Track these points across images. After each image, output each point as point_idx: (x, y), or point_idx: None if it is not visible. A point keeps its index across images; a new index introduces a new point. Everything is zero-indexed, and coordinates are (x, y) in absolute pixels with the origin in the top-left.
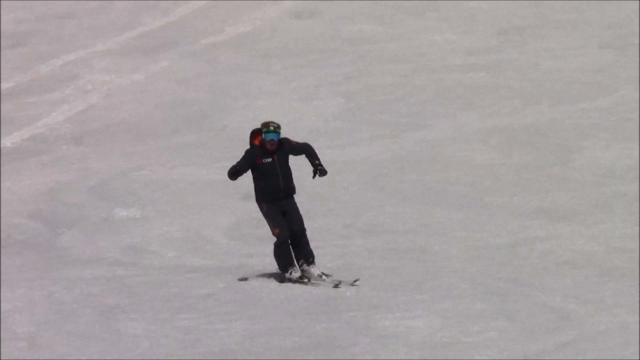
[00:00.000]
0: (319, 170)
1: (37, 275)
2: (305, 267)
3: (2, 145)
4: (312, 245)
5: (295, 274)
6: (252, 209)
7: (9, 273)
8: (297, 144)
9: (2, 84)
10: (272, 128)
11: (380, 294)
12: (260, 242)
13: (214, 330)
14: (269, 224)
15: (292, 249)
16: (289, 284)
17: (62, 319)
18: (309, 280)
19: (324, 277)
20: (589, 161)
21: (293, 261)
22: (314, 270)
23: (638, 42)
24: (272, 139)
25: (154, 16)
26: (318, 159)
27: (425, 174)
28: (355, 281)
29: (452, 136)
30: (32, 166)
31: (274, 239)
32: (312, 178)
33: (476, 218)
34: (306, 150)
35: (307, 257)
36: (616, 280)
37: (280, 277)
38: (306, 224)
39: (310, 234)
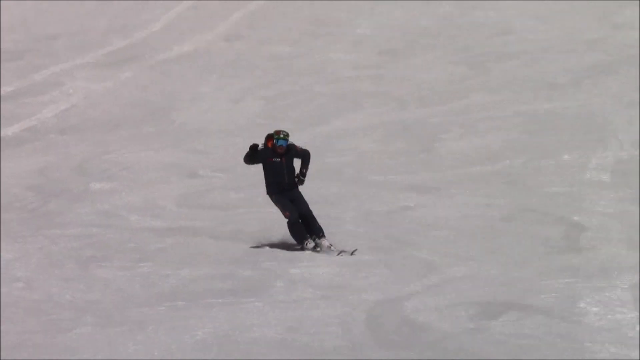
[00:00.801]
0: (299, 178)
1: (31, 232)
2: (317, 240)
3: (3, 135)
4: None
5: (310, 244)
6: (196, 183)
7: (9, 231)
8: (300, 150)
9: (4, 89)
10: (282, 136)
11: (294, 249)
12: (201, 209)
13: (166, 275)
14: (280, 210)
15: (305, 227)
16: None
17: (51, 266)
18: (320, 250)
19: (332, 247)
20: (446, 149)
21: (306, 235)
22: (324, 242)
23: (483, 60)
24: (281, 145)
25: (121, 38)
26: (306, 168)
27: (324, 158)
28: (354, 251)
29: (345, 130)
30: (27, 150)
31: (285, 220)
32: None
33: (363, 191)
34: (303, 157)
35: (317, 232)
36: (468, 238)
37: (300, 248)
38: None
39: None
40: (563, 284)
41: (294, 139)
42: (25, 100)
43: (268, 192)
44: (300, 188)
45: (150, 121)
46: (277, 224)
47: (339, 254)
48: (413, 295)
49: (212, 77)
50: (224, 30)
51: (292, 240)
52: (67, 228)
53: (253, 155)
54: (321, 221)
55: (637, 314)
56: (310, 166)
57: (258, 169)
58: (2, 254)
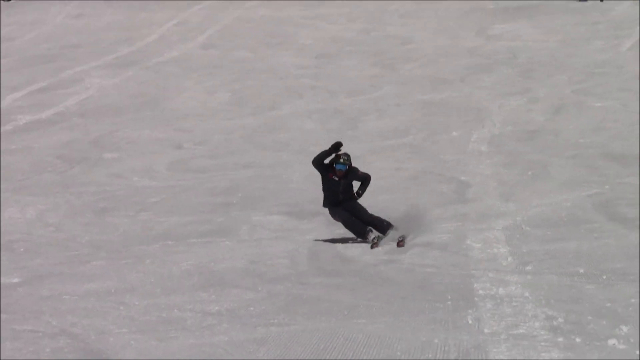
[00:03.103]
0: (357, 195)
1: (60, 190)
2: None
3: (39, 118)
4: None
5: (372, 235)
6: (181, 153)
7: (43, 189)
8: (362, 175)
9: (39, 84)
10: (342, 160)
11: (255, 202)
12: (186, 172)
13: (160, 221)
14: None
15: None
16: None
17: (74, 215)
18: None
19: (400, 239)
20: (367, 128)
21: (366, 228)
22: (390, 233)
23: (392, 62)
24: (340, 169)
25: (126, 47)
26: (363, 190)
27: (277, 135)
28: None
29: (291, 114)
30: (56, 129)
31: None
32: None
33: (306, 159)
34: (363, 181)
35: (384, 229)
36: (384, 193)
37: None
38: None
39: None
40: (454, 227)
41: (254, 120)
42: (55, 92)
43: (324, 205)
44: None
45: (147, 108)
46: (242, 183)
47: (399, 243)
48: (342, 235)
49: (193, 75)
50: (202, 41)
51: (254, 194)
52: (86, 186)
53: (322, 163)
54: (275, 180)
55: (509, 248)
56: (264, 140)
57: (226, 143)
58: (38, 205)
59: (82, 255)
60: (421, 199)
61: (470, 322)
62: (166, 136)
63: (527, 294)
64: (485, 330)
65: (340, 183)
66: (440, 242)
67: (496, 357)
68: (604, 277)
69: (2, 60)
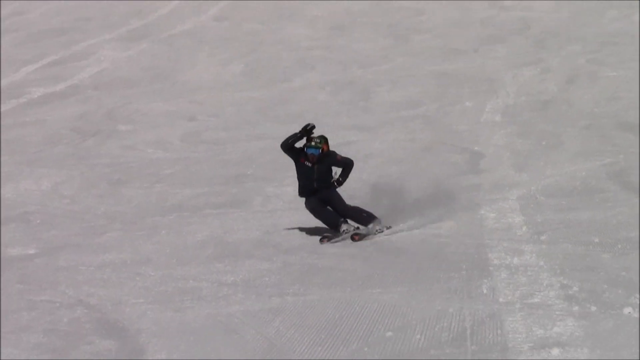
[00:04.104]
0: (337, 183)
1: (74, 162)
2: (367, 226)
3: (53, 91)
4: None
5: (344, 227)
6: (194, 125)
7: (58, 161)
8: (341, 159)
9: (52, 57)
10: (313, 144)
11: (269, 174)
12: (199, 144)
13: (174, 193)
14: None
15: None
16: None
17: (89, 187)
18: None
19: (378, 230)
20: (380, 99)
21: (339, 219)
22: (373, 226)
23: (405, 33)
24: (312, 154)
25: (138, 20)
26: (344, 178)
27: (290, 107)
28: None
29: (303, 86)
30: (70, 102)
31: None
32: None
33: (318, 130)
34: (344, 167)
35: (365, 222)
36: (397, 164)
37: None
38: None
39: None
40: (468, 197)
41: (266, 92)
42: (68, 65)
43: (299, 194)
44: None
45: (160, 80)
46: (255, 155)
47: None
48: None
49: (206, 47)
50: (214, 13)
51: (267, 165)
52: (100, 159)
53: (292, 147)
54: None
55: (523, 218)
56: (275, 112)
57: (240, 117)
58: (53, 178)
59: (97, 227)
60: (434, 170)
61: (485, 291)
62: (179, 108)
63: (541, 263)
64: (500, 300)
65: (314, 169)
66: (454, 212)
67: (511, 326)
68: (619, 245)
69: (13, 34)
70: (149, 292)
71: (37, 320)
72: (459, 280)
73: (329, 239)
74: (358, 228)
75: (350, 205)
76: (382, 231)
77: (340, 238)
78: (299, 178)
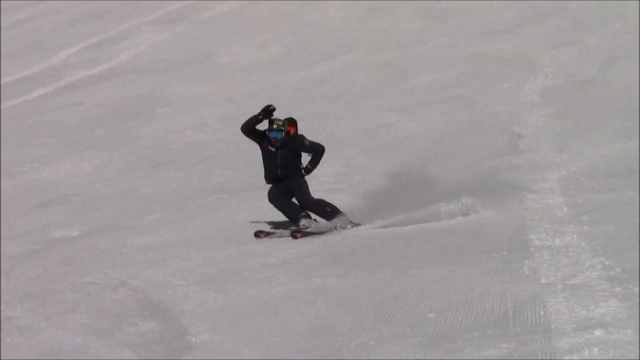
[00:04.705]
0: (306, 170)
1: (114, 145)
2: (326, 222)
3: (93, 73)
4: None
5: (304, 222)
6: (232, 107)
7: (98, 144)
8: (310, 144)
9: (91, 40)
10: (275, 127)
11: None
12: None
13: (214, 175)
14: None
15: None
16: None
17: (129, 169)
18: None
19: (340, 227)
20: (418, 80)
21: (299, 214)
22: (334, 223)
23: (442, 14)
24: (274, 137)
25: (175, 2)
26: (313, 165)
27: (327, 88)
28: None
29: (341, 67)
30: (109, 85)
31: None
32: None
33: (358, 112)
34: (314, 153)
35: (326, 216)
36: (435, 145)
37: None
38: None
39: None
40: (508, 178)
41: (305, 73)
42: (107, 48)
43: (266, 181)
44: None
45: (198, 62)
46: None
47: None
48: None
49: (243, 29)
50: None
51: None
52: (140, 141)
53: (254, 130)
54: (325, 134)
55: (564, 198)
56: (307, 95)
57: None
58: (94, 160)
59: (138, 209)
60: (474, 151)
61: (526, 272)
62: (218, 90)
63: (583, 244)
64: (542, 281)
65: (278, 154)
66: (494, 193)
67: (554, 307)
68: None
69: (52, 17)
70: (191, 273)
71: (82, 301)
72: (500, 261)
73: (267, 234)
74: (315, 220)
75: (313, 198)
76: (346, 228)
77: (278, 234)
78: (263, 162)
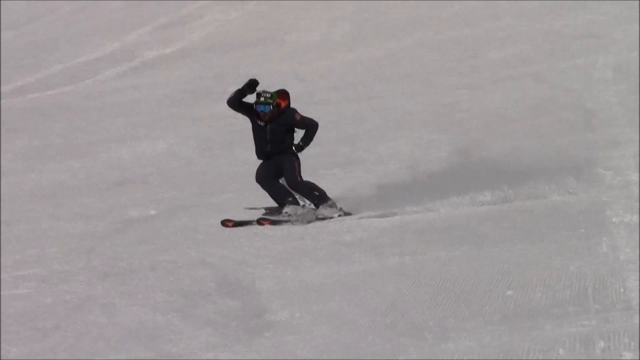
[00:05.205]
0: (298, 147)
1: (187, 124)
2: (316, 208)
3: (165, 53)
4: None
5: (288, 208)
6: (304, 86)
7: (172, 123)
8: (301, 120)
9: (163, 20)
10: (262, 100)
11: (380, 133)
12: (311, 104)
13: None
14: None
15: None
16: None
17: (203, 148)
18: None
19: (324, 215)
20: (489, 57)
21: (287, 199)
22: (323, 211)
23: None
24: (262, 111)
25: None
26: (306, 143)
27: (398, 66)
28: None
29: (411, 45)
30: (182, 65)
31: None
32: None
33: (429, 89)
34: (307, 130)
35: (313, 201)
36: (509, 122)
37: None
38: None
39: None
40: (583, 155)
41: (374, 51)
42: (178, 28)
43: (256, 156)
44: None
45: (269, 41)
46: (366, 115)
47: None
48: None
49: (313, 8)
50: None
51: (379, 125)
52: (213, 120)
53: (241, 103)
54: (397, 112)
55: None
56: (387, 70)
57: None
58: (168, 139)
59: (214, 188)
60: (547, 128)
61: (605, 249)
62: (289, 69)
63: None
64: (621, 258)
65: (267, 131)
66: (570, 170)
67: (634, 284)
68: None
69: None
70: (269, 252)
71: (161, 279)
72: (578, 238)
73: (272, 221)
74: (304, 207)
75: (302, 179)
76: (332, 217)
77: (285, 217)
78: (253, 137)
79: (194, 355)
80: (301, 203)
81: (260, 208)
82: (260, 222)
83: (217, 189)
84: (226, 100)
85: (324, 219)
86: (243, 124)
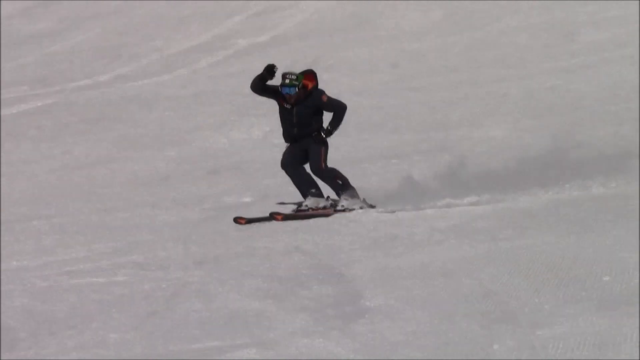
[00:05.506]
0: (323, 133)
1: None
2: (336, 198)
3: (259, 41)
4: None
5: (310, 201)
6: (398, 72)
7: (266, 110)
8: (328, 102)
9: (256, 8)
10: (287, 81)
11: (474, 118)
12: (405, 90)
13: (381, 140)
14: None
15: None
16: None
17: None
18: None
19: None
20: (584, 40)
21: (310, 190)
22: (343, 202)
23: None
24: (287, 93)
25: None
26: (335, 127)
27: (492, 51)
28: (371, 206)
29: (505, 29)
30: (276, 52)
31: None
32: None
33: (524, 73)
34: (333, 111)
35: (335, 189)
36: (606, 103)
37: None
38: None
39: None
40: None
41: (470, 39)
42: (272, 15)
43: (284, 139)
44: None
45: (362, 28)
46: (459, 101)
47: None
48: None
49: None
50: None
51: (473, 110)
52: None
53: (264, 85)
54: (491, 97)
55: None
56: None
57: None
58: (263, 127)
59: None
60: None
61: None
62: (382, 55)
63: None
64: None
65: (293, 114)
66: None
67: None
68: None
69: None
70: (363, 238)
71: (256, 266)
72: None
73: (285, 216)
74: (328, 198)
75: (327, 166)
76: (353, 209)
77: (302, 209)
78: (281, 122)
79: (290, 341)
80: (325, 196)
81: (289, 203)
82: (273, 216)
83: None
84: (250, 85)
85: (343, 211)
86: None
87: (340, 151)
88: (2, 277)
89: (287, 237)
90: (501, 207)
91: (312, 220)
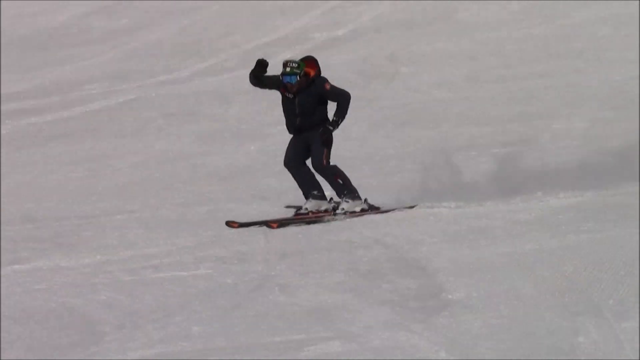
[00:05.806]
0: (328, 127)
1: (360, 105)
2: (337, 200)
3: (336, 35)
4: None
5: (309, 204)
6: (476, 64)
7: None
8: (332, 91)
9: (332, 3)
10: (288, 70)
11: (553, 111)
12: (483, 82)
13: (460, 133)
14: None
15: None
16: None
17: (376, 128)
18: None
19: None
20: None
21: (311, 191)
22: (344, 205)
23: None
24: (288, 82)
25: None
26: (340, 117)
27: (570, 43)
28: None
29: (584, 21)
30: (353, 46)
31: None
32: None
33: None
34: (338, 102)
35: (335, 189)
36: None
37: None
38: None
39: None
40: None
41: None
42: (348, 9)
43: (287, 130)
44: None
45: (440, 20)
46: (538, 93)
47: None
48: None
49: None
50: None
51: (552, 103)
52: (385, 101)
53: (260, 78)
54: (569, 90)
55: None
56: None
57: None
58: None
59: (388, 168)
60: None
61: None
62: (460, 48)
63: None
64: None
65: (295, 104)
66: None
67: None
68: None
69: None
70: (444, 231)
71: (338, 260)
72: None
73: (280, 223)
74: (331, 200)
75: (329, 164)
76: (354, 212)
77: (302, 212)
78: (283, 112)
79: (372, 334)
80: (328, 198)
81: (298, 206)
82: (269, 224)
83: (390, 169)
84: (249, 80)
85: (344, 214)
86: (415, 103)
87: (417, 145)
88: (87, 271)
89: (368, 230)
90: (582, 200)
91: (391, 213)
